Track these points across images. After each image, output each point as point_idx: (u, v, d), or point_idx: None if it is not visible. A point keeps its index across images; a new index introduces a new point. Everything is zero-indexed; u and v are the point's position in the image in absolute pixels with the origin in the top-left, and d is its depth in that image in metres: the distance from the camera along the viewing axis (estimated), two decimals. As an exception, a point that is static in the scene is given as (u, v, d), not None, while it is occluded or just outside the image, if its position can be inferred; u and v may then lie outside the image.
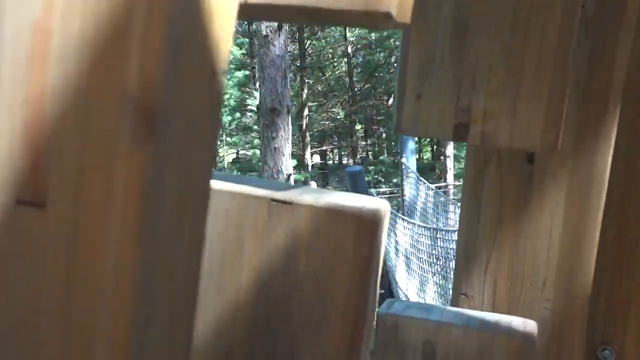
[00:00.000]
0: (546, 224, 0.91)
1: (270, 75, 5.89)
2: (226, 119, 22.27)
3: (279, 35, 6.05)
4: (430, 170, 25.24)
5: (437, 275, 7.62)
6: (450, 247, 6.97)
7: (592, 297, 0.90)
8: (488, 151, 0.91)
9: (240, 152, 33.29)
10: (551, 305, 0.92)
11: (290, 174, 6.22)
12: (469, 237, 0.96)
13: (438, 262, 7.22)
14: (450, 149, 18.95)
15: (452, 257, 6.88)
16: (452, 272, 7.15)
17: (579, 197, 0.88)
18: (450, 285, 7.37)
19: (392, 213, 10.06)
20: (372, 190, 11.76)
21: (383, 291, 11.31)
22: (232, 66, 22.62)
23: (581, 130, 0.86)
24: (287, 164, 6.11)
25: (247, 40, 24.31)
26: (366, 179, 20.65)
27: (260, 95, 6.25)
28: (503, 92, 0.76)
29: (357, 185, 11.43)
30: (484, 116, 0.77)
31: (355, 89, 27.26)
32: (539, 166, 0.90)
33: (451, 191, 16.70)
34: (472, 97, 0.78)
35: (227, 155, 24.18)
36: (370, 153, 28.61)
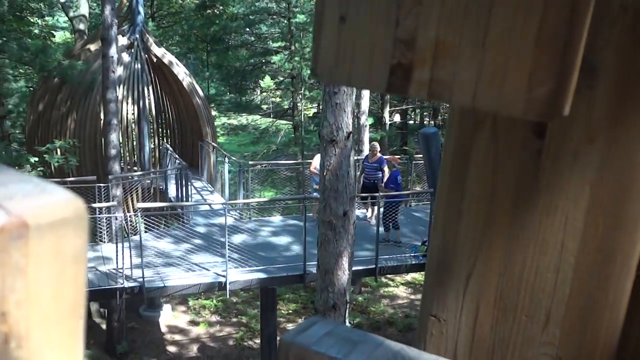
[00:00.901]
0: (556, 232, 0.59)
1: (337, 25, 5.48)
2: (306, 72, 22.01)
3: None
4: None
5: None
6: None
7: (619, 346, 0.59)
8: (478, 116, 0.60)
9: (320, 107, 33.14)
10: (555, 350, 0.61)
11: (350, 132, 5.91)
12: (445, 241, 0.66)
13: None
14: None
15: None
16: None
17: (614, 193, 0.56)
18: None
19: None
20: (447, 154, 11.22)
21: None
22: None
23: (625, 83, 0.53)
24: (348, 121, 5.79)
25: (332, -8, 23.60)
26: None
27: (325, 47, 5.93)
28: (468, 13, 0.45)
29: (430, 148, 10.95)
30: (434, 53, 0.47)
31: (441, 48, 26.17)
32: (554, 141, 0.58)
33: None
34: (419, 21, 0.47)
35: (305, 110, 24.01)
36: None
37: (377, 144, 12.56)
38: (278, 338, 12.70)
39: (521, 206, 0.60)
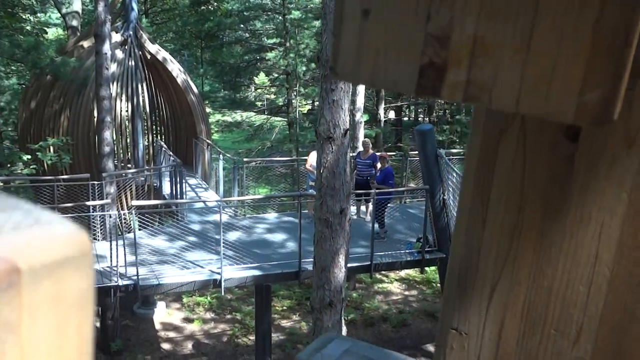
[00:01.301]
0: (590, 242, 0.56)
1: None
2: (301, 69, 21.95)
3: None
4: (508, 134, 24.16)
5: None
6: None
7: None
8: (505, 118, 0.56)
9: (315, 103, 33.08)
10: (587, 368, 0.57)
11: (347, 129, 5.86)
12: (468, 249, 0.62)
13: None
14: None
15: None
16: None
17: (653, 202, 0.52)
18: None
19: (460, 177, 9.57)
20: (443, 151, 11.24)
21: (445, 255, 10.92)
22: (310, 15, 22.14)
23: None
24: (345, 119, 5.75)
25: (326, -12, 23.55)
26: (440, 138, 19.98)
27: (322, 43, 5.87)
28: (512, 7, 0.41)
29: (426, 145, 10.94)
30: (472, 51, 0.43)
31: (436, 44, 26.19)
32: (588, 145, 0.54)
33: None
34: (454, 15, 0.43)
35: (300, 106, 23.95)
36: (447, 111, 27.64)
37: (369, 141, 12.54)
38: (272, 334, 12.68)
39: (552, 215, 0.57)
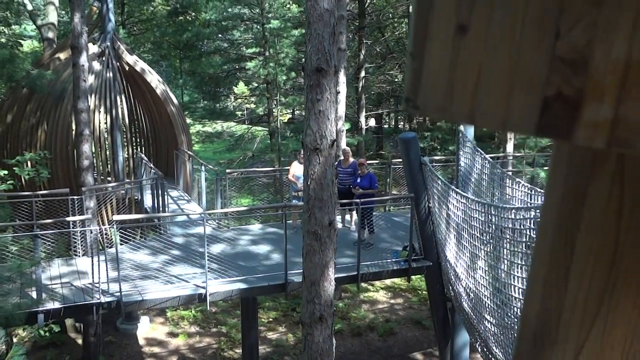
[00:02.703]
0: None
1: (318, 31, 5.32)
2: (281, 78, 21.87)
3: (331, -13, 5.48)
4: (489, 139, 24.30)
5: (489, 255, 7.08)
6: (506, 225, 6.40)
7: None
8: (601, 152, 0.47)
9: (296, 112, 32.97)
10: None
11: (334, 140, 5.75)
12: (547, 308, 0.53)
13: (491, 242, 6.69)
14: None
15: (508, 238, 6.35)
16: (505, 252, 6.58)
17: None
18: (503, 267, 6.83)
19: (445, 184, 9.52)
20: (427, 158, 11.21)
21: (431, 263, 10.86)
22: (289, 24, 22.10)
23: None
24: (332, 129, 5.64)
25: (305, -3, 23.66)
26: (421, 145, 20.08)
27: (306, 54, 5.77)
28: None
29: (409, 153, 10.90)
30: (622, 80, 0.33)
31: (415, 51, 26.37)
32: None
33: (510, 162, 15.89)
34: (596, 32, 0.33)
35: (280, 116, 23.85)
36: (427, 119, 27.77)
37: (349, 149, 12.49)
38: (259, 347, 12.50)
39: (655, 266, 0.47)
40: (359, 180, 11.36)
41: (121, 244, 11.04)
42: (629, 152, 0.34)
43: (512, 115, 0.36)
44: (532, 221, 5.82)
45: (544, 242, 0.53)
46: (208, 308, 10.73)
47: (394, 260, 10.99)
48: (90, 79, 14.59)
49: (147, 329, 14.53)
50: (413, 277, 13.38)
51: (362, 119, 23.37)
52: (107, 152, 16.24)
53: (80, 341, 13.56)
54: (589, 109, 0.34)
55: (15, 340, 12.47)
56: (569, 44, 0.34)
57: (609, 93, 0.33)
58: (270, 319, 15.36)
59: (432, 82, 0.39)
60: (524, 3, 0.34)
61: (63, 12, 23.95)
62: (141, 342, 14.11)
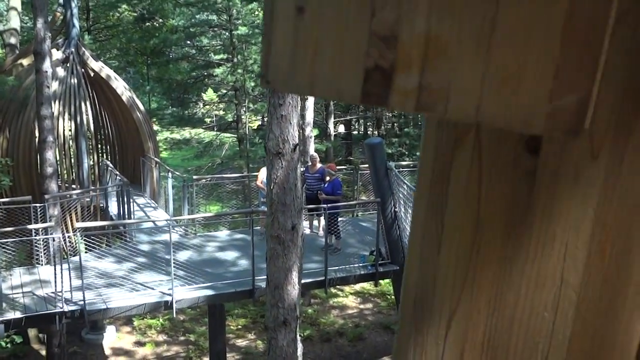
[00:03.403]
0: (555, 264, 0.51)
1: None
2: (249, 84, 21.84)
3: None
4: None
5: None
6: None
7: None
8: (459, 131, 0.51)
9: (264, 119, 32.93)
10: (555, 403, 0.52)
11: (297, 145, 5.79)
12: (423, 278, 0.57)
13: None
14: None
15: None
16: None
17: (622, 216, 0.47)
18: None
19: (411, 189, 9.63)
20: (392, 164, 11.32)
21: (398, 267, 10.96)
22: (257, 30, 22.10)
23: (635, 83, 0.45)
24: (294, 133, 5.68)
25: (273, 4, 23.70)
26: (389, 151, 20.17)
27: (268, 58, 5.80)
28: (469, 1, 0.35)
29: (375, 158, 11.00)
30: (424, 52, 0.37)
31: (383, 58, 26.69)
32: (550, 158, 0.49)
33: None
34: (402, 10, 0.37)
35: (249, 122, 23.81)
36: (395, 124, 28.00)
37: (316, 155, 12.53)
38: (228, 355, 12.41)
39: (512, 235, 0.52)
40: (325, 185, 11.41)
41: (86, 252, 10.87)
42: (432, 114, 0.38)
43: (342, 86, 0.40)
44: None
45: (418, 217, 0.57)
46: (175, 315, 10.63)
47: (361, 265, 11.05)
48: (54, 85, 14.38)
49: (113, 338, 14.30)
50: (381, 282, 13.45)
51: (331, 125, 23.46)
52: (72, 159, 15.99)
53: (43, 352, 13.28)
54: (399, 78, 0.38)
55: (-25, 352, 12.16)
56: (381, 22, 0.38)
57: (415, 65, 0.37)
58: (239, 326, 15.27)
59: (278, 58, 0.43)
60: None
61: (26, 17, 23.54)
62: (107, 352, 13.88)
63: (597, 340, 0.50)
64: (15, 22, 18.40)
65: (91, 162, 17.02)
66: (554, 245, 0.50)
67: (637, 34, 0.44)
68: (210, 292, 10.05)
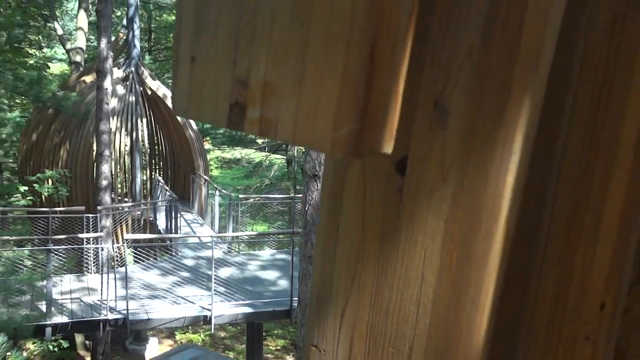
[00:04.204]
0: (416, 266, 0.62)
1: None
2: (301, 107, 22.15)
3: None
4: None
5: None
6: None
7: None
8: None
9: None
10: (418, 382, 0.63)
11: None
12: (324, 275, 0.68)
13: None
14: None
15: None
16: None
17: (464, 229, 0.58)
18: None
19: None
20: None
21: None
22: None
23: (473, 124, 0.56)
24: (331, 157, 5.80)
25: None
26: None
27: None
28: (287, 54, 0.48)
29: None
30: (263, 93, 0.50)
31: None
32: (413, 178, 0.61)
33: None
34: (252, 62, 0.50)
35: (299, 144, 24.10)
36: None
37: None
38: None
39: (387, 241, 0.63)
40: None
41: (134, 263, 11.25)
42: (269, 137, 0.51)
43: (217, 115, 0.53)
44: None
45: (321, 224, 0.69)
46: (213, 330, 10.83)
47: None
48: (113, 102, 15.04)
49: (155, 350, 14.63)
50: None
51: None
52: (126, 174, 16.61)
53: (88, 359, 13.71)
54: (249, 111, 0.51)
55: (25, 354, 12.65)
56: (239, 70, 0.51)
57: (257, 102, 0.50)
58: (278, 347, 15.38)
59: (180, 92, 0.56)
60: (220, 43, 0.52)
61: (92, 37, 24.75)
62: (148, 362, 14.20)
63: (447, 332, 0.61)
64: (81, 41, 19.39)
65: (144, 177, 17.62)
66: (416, 249, 0.61)
67: (474, 81, 0.56)
68: (248, 310, 10.22)
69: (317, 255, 0.69)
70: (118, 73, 16.02)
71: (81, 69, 18.55)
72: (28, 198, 12.47)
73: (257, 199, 17.89)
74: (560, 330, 0.67)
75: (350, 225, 0.65)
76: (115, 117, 15.42)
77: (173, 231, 13.27)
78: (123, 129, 16.02)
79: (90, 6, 20.46)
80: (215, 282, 9.94)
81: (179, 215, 13.60)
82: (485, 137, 0.56)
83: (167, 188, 15.20)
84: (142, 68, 16.66)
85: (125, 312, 9.46)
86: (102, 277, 9.81)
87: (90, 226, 12.31)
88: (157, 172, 18.77)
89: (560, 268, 0.66)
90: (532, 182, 0.59)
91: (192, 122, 17.90)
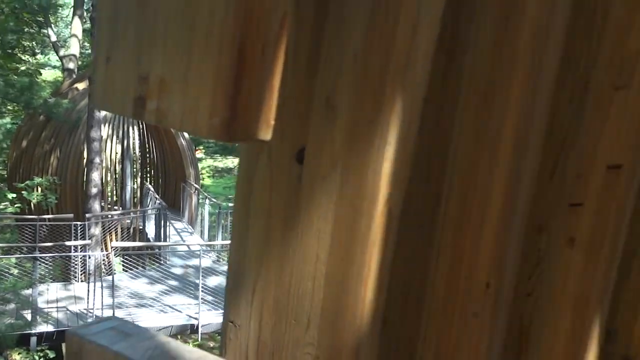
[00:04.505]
0: (312, 246, 0.69)
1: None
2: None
3: None
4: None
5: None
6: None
7: (355, 351, 0.68)
8: (258, 145, 0.71)
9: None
10: (315, 350, 0.70)
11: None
12: (238, 254, 0.75)
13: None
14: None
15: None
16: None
17: (349, 212, 0.66)
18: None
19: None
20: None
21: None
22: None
23: (356, 119, 0.64)
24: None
25: None
26: None
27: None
28: (178, 55, 0.56)
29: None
30: (159, 87, 0.58)
31: None
32: (309, 166, 0.68)
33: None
34: (152, 61, 0.58)
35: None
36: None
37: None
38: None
39: (289, 224, 0.70)
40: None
41: (116, 272, 11.24)
42: (163, 125, 0.58)
43: (125, 107, 0.61)
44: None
45: (235, 208, 0.76)
46: (200, 340, 10.84)
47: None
48: (105, 110, 15.09)
49: None
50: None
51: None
52: (117, 182, 16.64)
53: (74, 367, 13.66)
54: (148, 103, 0.59)
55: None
56: (142, 68, 0.60)
57: (155, 95, 0.58)
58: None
59: (99, 88, 0.64)
60: (128, 45, 0.60)
61: (86, 44, 24.84)
62: (135, 371, 14.16)
63: (338, 303, 0.68)
64: (75, 48, 19.47)
65: (135, 185, 17.65)
66: (312, 231, 0.68)
67: (357, 82, 0.64)
68: (235, 318, 10.23)
69: (233, 238, 0.76)
70: (110, 81, 16.08)
71: (74, 75, 18.61)
72: (16, 205, 12.47)
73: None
74: (454, 307, 0.75)
75: (258, 211, 0.72)
76: (106, 125, 15.48)
77: (162, 239, 13.29)
78: (114, 137, 16.07)
79: (84, 13, 20.57)
80: (203, 291, 9.96)
81: (168, 223, 13.62)
82: (366, 130, 0.64)
83: (157, 196, 15.23)
84: (134, 77, 16.73)
85: (111, 319, 9.45)
86: (88, 286, 9.81)
87: (79, 234, 12.32)
88: (148, 180, 18.80)
89: (453, 250, 0.74)
90: (428, 173, 0.67)
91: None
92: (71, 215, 12.91)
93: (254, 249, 0.73)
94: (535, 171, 0.82)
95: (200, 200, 16.32)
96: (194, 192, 16.56)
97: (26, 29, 18.09)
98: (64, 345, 13.34)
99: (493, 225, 0.72)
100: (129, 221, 15.01)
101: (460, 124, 0.72)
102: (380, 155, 0.63)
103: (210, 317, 10.09)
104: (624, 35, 0.77)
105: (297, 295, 0.71)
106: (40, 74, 18.50)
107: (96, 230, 12.53)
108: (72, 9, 21.24)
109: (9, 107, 19.23)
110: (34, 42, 19.30)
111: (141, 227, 14.93)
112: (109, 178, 16.24)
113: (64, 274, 11.55)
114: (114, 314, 9.44)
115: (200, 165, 21.41)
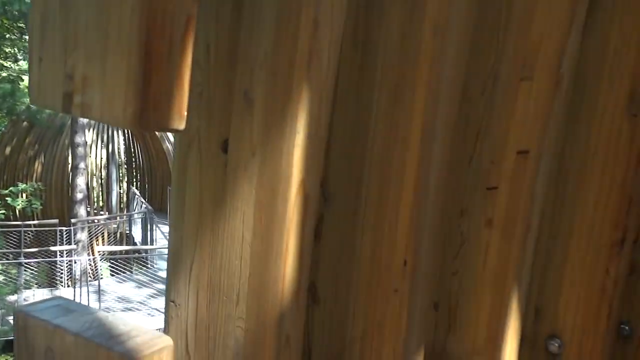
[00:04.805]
0: (238, 227, 0.76)
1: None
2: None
3: None
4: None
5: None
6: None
7: (278, 323, 0.75)
8: (188, 138, 0.77)
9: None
10: (244, 324, 0.76)
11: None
12: (176, 238, 0.82)
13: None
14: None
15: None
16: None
17: (268, 195, 0.73)
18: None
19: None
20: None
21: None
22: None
23: (269, 110, 0.71)
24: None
25: None
26: None
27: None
28: (96, 56, 0.63)
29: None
30: (83, 84, 0.64)
31: None
32: (233, 155, 0.75)
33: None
34: (76, 62, 0.65)
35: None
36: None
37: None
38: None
39: (218, 209, 0.77)
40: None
41: (102, 277, 11.23)
42: (88, 117, 0.65)
43: (55, 102, 0.68)
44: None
45: (172, 195, 0.83)
46: (188, 342, 10.84)
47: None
48: (89, 115, 15.05)
49: (130, 363, 14.56)
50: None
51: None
52: (102, 186, 16.60)
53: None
54: (75, 98, 0.65)
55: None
56: (68, 67, 0.66)
57: (79, 90, 0.65)
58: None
59: (34, 86, 0.71)
60: (56, 47, 0.67)
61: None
62: (124, 376, 14.13)
63: (261, 279, 0.75)
64: (58, 54, 19.33)
65: (121, 190, 17.61)
66: (237, 214, 0.75)
67: (271, 77, 0.70)
68: (222, 320, 10.26)
69: (171, 224, 0.83)
70: (93, 86, 16.04)
71: (57, 82, 18.51)
72: (1, 212, 12.42)
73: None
74: (378, 283, 0.82)
75: (192, 197, 0.79)
76: (91, 130, 15.44)
77: (149, 243, 13.28)
78: (99, 142, 16.04)
79: (66, 20, 20.43)
80: (188, 293, 9.98)
81: (155, 227, 13.62)
82: (278, 120, 0.71)
83: (143, 200, 15.22)
84: (118, 81, 16.70)
85: (98, 323, 9.46)
86: (74, 291, 9.81)
87: (64, 239, 12.29)
88: (135, 184, 18.77)
89: (374, 231, 0.81)
90: (350, 160, 0.75)
91: (170, 135, 17.96)
92: (56, 221, 12.87)
93: (189, 232, 0.80)
94: (452, 159, 0.89)
95: (187, 204, 16.29)
96: (180, 195, 16.53)
97: (7, 35, 17.97)
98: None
99: (407, 208, 0.80)
100: (115, 226, 14.98)
101: (375, 115, 0.79)
102: (291, 143, 0.70)
103: (198, 320, 10.12)
104: (525, 28, 0.85)
105: (227, 274, 0.77)
106: (23, 80, 18.41)
107: (82, 236, 12.50)
108: (54, 14, 21.05)
109: (-8, 114, 19.09)
110: (15, 49, 19.14)
111: (128, 232, 14.91)
112: (94, 183, 16.20)
113: (50, 280, 11.52)
114: (101, 318, 9.44)
115: (186, 169, 21.32)
